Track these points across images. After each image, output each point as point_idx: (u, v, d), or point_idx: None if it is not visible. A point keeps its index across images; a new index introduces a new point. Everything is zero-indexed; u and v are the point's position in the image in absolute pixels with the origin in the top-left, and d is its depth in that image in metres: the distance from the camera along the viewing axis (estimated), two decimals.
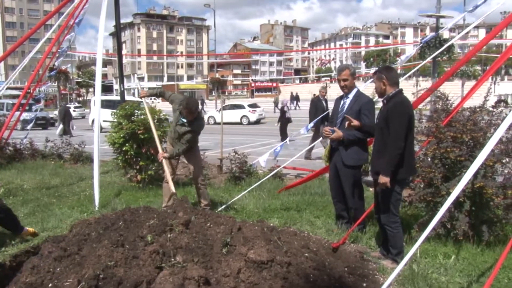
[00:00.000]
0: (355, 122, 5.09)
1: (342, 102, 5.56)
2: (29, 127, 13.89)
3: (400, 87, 4.51)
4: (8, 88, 30.86)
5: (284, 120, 16.79)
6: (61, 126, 21.39)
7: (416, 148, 5.62)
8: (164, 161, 6.06)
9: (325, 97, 12.67)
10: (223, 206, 6.55)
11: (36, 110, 17.97)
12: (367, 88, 9.68)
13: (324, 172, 7.21)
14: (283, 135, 16.07)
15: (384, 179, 4.29)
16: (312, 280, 3.65)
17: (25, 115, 17.72)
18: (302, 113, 27.08)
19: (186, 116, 6.12)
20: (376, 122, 4.69)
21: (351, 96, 5.47)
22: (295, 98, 51.86)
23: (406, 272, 4.13)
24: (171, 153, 6.19)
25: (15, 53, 67.62)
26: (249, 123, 30.79)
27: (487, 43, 7.57)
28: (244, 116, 31.35)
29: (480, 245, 4.90)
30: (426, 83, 28.93)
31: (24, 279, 3.54)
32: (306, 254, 4.14)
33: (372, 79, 5.58)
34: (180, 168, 10.12)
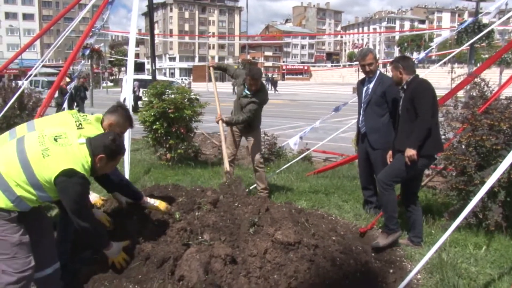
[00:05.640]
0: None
1: (365, 86, 5.44)
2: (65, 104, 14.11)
3: (416, 74, 4.58)
4: (44, 66, 31.50)
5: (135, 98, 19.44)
6: None
7: (451, 135, 5.49)
8: (220, 126, 6.02)
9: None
10: (252, 187, 6.56)
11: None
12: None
13: (354, 159, 7.14)
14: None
15: (411, 152, 4.25)
16: (338, 263, 3.63)
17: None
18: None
19: (249, 86, 5.92)
20: (400, 107, 4.59)
21: (374, 79, 5.34)
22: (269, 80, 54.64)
23: (434, 260, 4.06)
24: (229, 119, 6.02)
25: (50, 32, 68.62)
26: None
27: None
28: None
29: None
30: (461, 70, 28.11)
31: None
32: (334, 238, 4.12)
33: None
34: (209, 148, 10.17)
